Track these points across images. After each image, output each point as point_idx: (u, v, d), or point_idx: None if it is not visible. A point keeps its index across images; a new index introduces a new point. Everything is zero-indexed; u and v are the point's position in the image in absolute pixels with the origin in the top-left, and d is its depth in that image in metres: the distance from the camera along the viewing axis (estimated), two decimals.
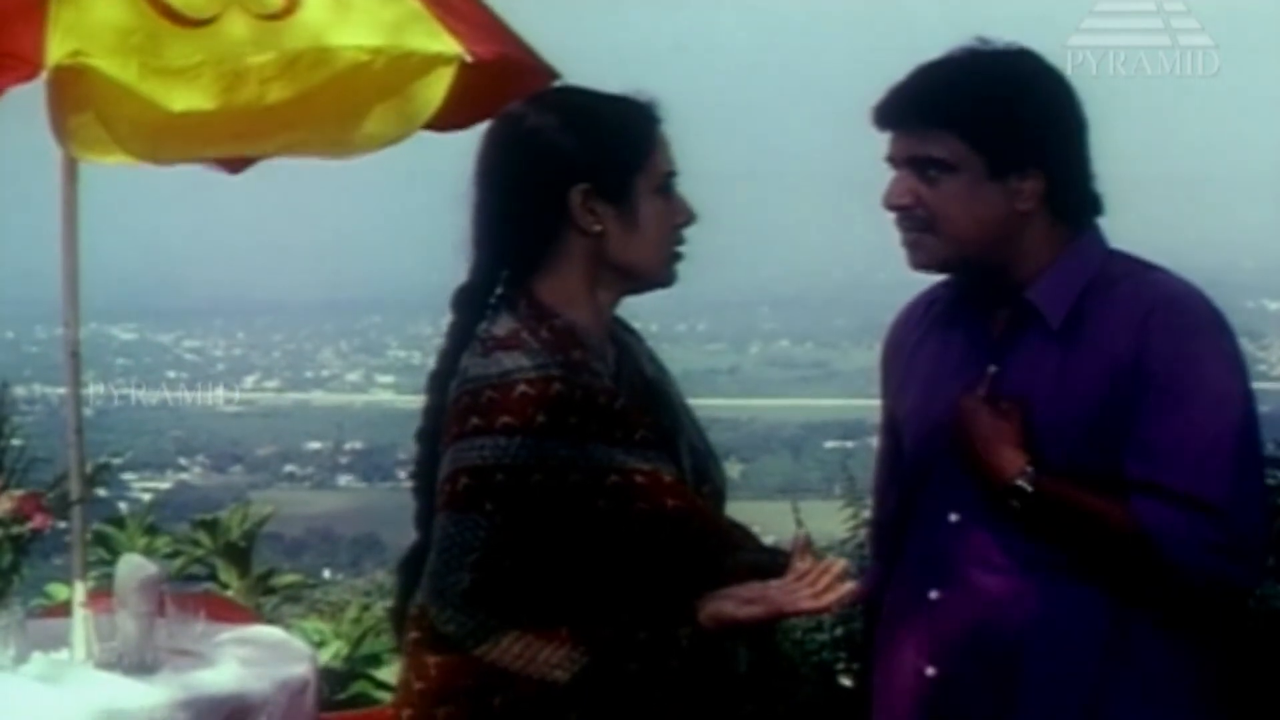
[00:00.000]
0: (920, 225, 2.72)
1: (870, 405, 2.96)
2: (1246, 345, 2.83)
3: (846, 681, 5.29)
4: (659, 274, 2.72)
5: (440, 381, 2.68)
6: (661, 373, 2.81)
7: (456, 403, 2.60)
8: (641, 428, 2.63)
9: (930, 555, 2.77)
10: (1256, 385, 2.84)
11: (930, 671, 2.74)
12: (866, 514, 5.40)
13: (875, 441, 3.00)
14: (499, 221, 2.69)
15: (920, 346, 2.88)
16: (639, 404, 2.68)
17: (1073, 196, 2.75)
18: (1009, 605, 2.68)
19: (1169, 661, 2.68)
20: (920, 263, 2.77)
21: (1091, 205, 2.78)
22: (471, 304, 2.69)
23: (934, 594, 2.74)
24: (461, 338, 2.67)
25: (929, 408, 2.82)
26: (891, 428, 2.94)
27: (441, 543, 2.59)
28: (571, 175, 2.65)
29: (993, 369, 2.74)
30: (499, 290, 2.69)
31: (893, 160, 2.74)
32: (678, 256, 2.73)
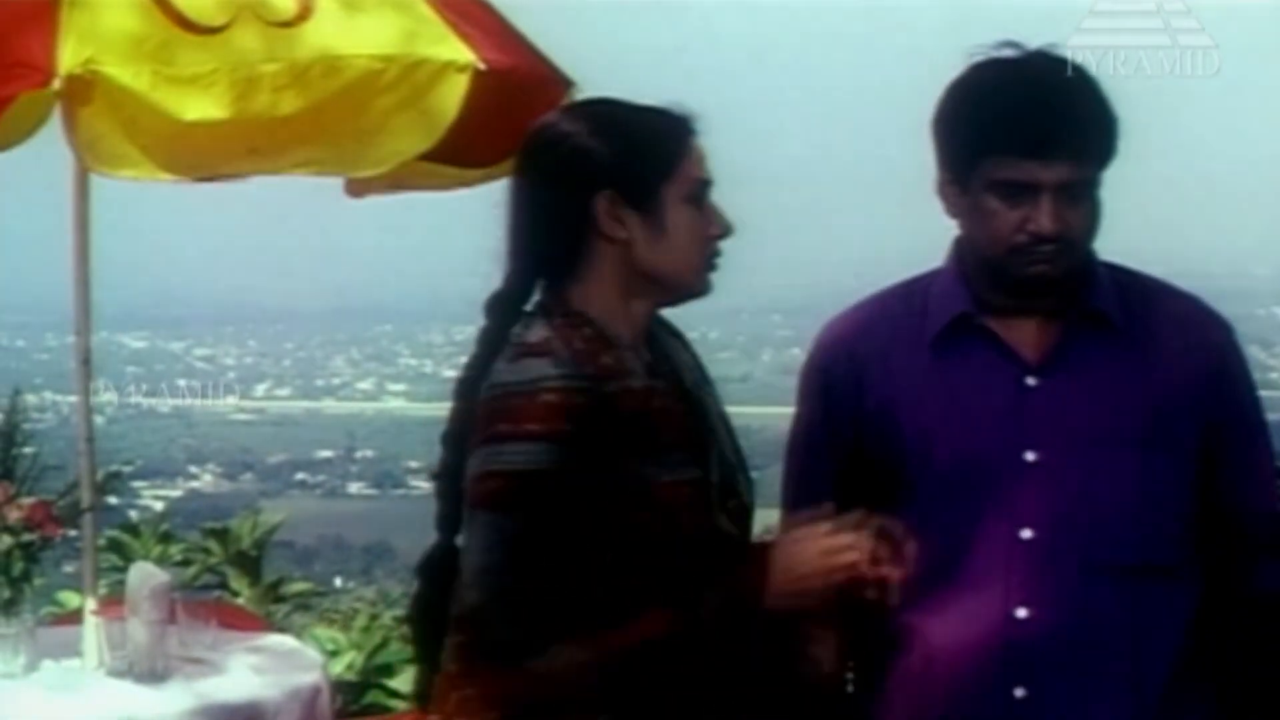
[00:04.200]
0: (1064, 249, 2.64)
1: None
2: (1257, 353, 2.84)
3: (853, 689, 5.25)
4: (691, 283, 2.69)
5: (469, 386, 2.65)
6: (703, 382, 2.79)
7: (485, 406, 2.59)
8: (671, 435, 2.63)
9: (1006, 575, 2.69)
10: (1267, 394, 2.84)
11: (1020, 693, 2.69)
12: None
13: None
14: (531, 228, 2.69)
15: (917, 362, 2.77)
16: (672, 411, 2.67)
17: None
18: (1104, 614, 2.67)
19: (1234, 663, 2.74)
20: (1051, 278, 2.66)
21: None
22: (504, 310, 2.68)
23: (1022, 613, 2.68)
24: (493, 344, 2.65)
25: (962, 428, 2.73)
26: (847, 442, 2.84)
27: (479, 544, 2.58)
28: (597, 181, 2.63)
29: (1032, 381, 2.70)
30: (535, 297, 2.68)
31: (1038, 184, 2.61)
32: (712, 266, 2.70)
